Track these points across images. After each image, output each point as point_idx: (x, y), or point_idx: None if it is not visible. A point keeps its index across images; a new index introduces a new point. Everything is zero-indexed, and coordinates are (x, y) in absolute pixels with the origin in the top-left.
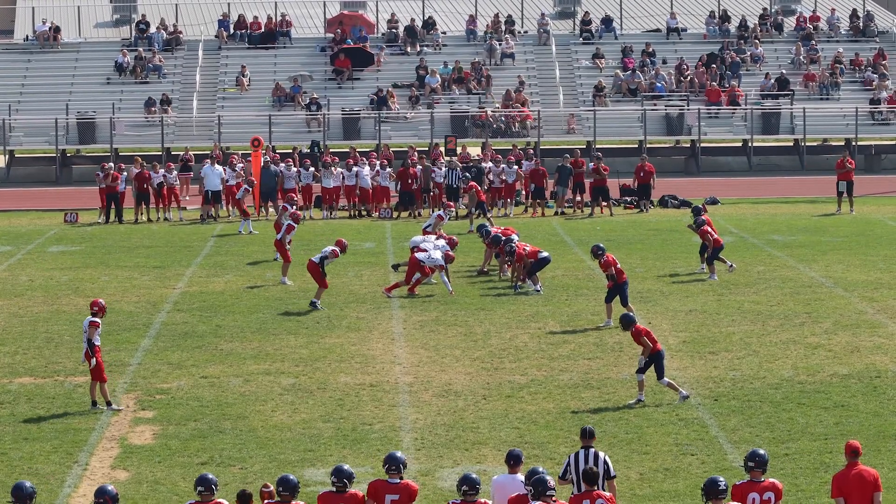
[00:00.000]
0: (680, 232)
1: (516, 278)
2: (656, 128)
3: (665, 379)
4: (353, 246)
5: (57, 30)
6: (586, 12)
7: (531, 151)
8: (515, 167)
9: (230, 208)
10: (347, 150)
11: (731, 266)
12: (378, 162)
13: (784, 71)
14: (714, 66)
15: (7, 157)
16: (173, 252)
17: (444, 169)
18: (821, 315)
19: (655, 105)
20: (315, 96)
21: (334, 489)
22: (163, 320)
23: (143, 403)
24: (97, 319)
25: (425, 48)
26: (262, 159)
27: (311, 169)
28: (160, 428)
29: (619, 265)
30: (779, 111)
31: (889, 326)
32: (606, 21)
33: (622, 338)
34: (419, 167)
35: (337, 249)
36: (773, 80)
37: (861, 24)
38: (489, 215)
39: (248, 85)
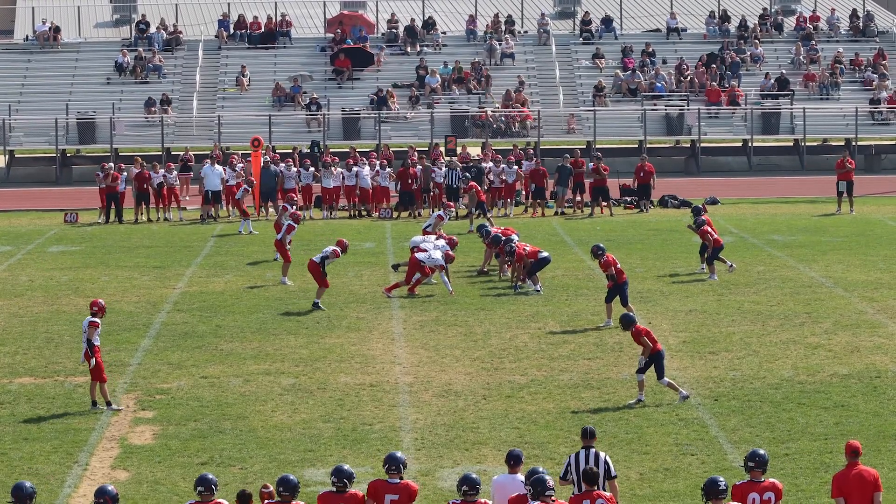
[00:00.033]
0: (680, 232)
1: (516, 278)
2: (656, 128)
3: (665, 379)
4: (353, 246)
5: (57, 30)
6: (586, 12)
7: (531, 151)
8: (515, 167)
9: (230, 208)
10: (347, 150)
11: (731, 266)
12: (378, 162)
13: (784, 71)
14: (714, 66)
15: (7, 157)
16: (173, 252)
17: (444, 169)
18: (821, 315)
19: (655, 105)
20: (315, 96)
21: (334, 489)
22: (163, 320)
23: (143, 403)
24: (97, 320)
25: (425, 48)
26: (262, 159)
27: (311, 169)
28: (160, 428)
29: (619, 265)
30: (779, 111)
31: (889, 326)
32: (606, 21)
33: (622, 338)
34: (419, 167)
35: (338, 249)
36: (773, 80)
37: (861, 24)
38: (489, 215)
39: (248, 85)
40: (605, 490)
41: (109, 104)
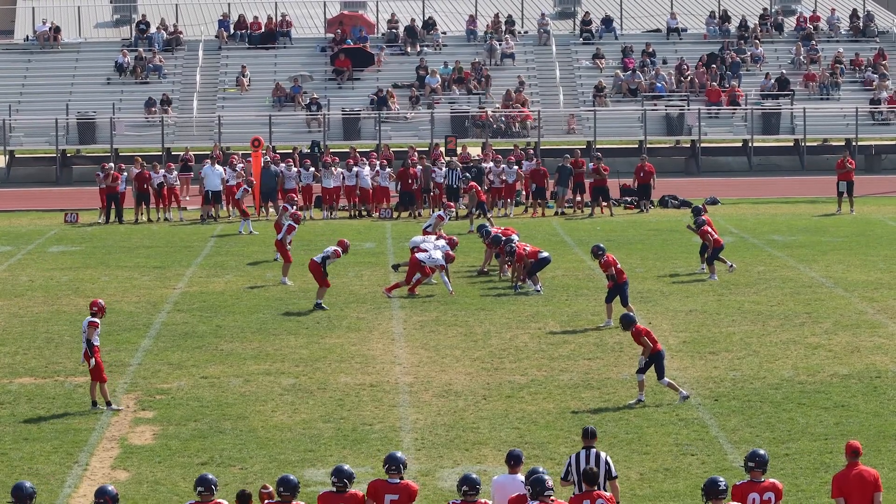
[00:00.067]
0: (680, 232)
1: (516, 278)
2: (656, 128)
3: (665, 379)
4: (353, 246)
5: (57, 30)
6: (586, 12)
7: (531, 151)
8: (515, 167)
9: (230, 208)
10: (347, 150)
11: (732, 266)
12: (378, 162)
13: (784, 71)
14: (714, 66)
15: (7, 157)
16: (173, 252)
17: (444, 169)
18: (821, 315)
19: (655, 105)
20: (315, 96)
21: (334, 489)
22: (163, 320)
23: (144, 403)
24: (96, 320)
25: (425, 48)
26: (263, 159)
27: (312, 169)
28: (160, 428)
29: (619, 265)
30: (779, 111)
31: (889, 326)
32: (606, 21)
33: (622, 338)
34: (419, 167)
35: (339, 249)
36: (773, 80)
37: (861, 24)
38: (489, 215)
39: (248, 85)
40: (606, 490)
41: (109, 104)
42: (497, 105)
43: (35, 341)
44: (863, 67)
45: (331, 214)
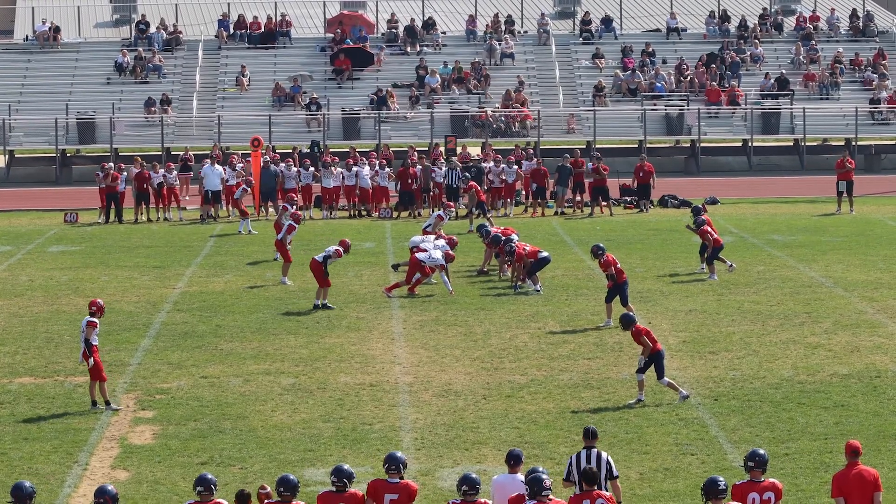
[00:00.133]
0: (680, 232)
1: (516, 278)
2: (656, 128)
3: (665, 379)
4: (353, 246)
5: (57, 30)
6: (586, 12)
7: (531, 151)
8: (515, 167)
9: (230, 208)
10: (347, 150)
11: (731, 266)
12: (378, 162)
13: (784, 71)
14: (714, 66)
15: (7, 157)
16: (173, 252)
17: (444, 169)
18: (821, 315)
19: (655, 105)
20: (315, 96)
21: (334, 489)
22: (163, 320)
23: (143, 403)
24: (95, 319)
25: (425, 48)
26: (262, 159)
27: (311, 169)
28: (160, 428)
29: (618, 265)
30: (779, 111)
31: (889, 326)
32: (606, 21)
33: (622, 338)
34: (419, 167)
35: (340, 249)
36: (772, 80)
37: (861, 24)
38: (489, 215)
39: (248, 85)
40: (606, 490)
41: (109, 104)
42: (497, 105)
43: (35, 341)
44: (862, 67)
45: (330, 214)
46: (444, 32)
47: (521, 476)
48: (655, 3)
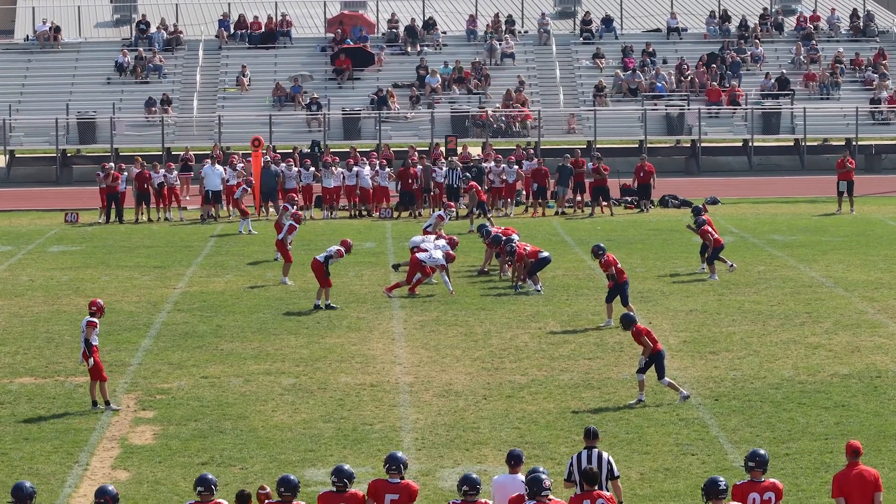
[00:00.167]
0: (680, 232)
1: (517, 278)
2: (656, 128)
3: (666, 379)
4: (354, 246)
5: (57, 30)
6: (586, 12)
7: (531, 151)
8: (516, 167)
9: (230, 208)
10: (348, 150)
11: (732, 266)
12: (378, 162)
13: (784, 71)
14: (714, 65)
15: (7, 157)
16: (174, 252)
17: (444, 169)
18: (821, 315)
19: (656, 105)
20: (315, 96)
21: (334, 489)
22: (163, 320)
23: (144, 403)
24: (95, 319)
25: (425, 48)
26: (263, 159)
27: (312, 169)
28: (161, 428)
29: (619, 265)
30: (779, 111)
31: (889, 326)
32: (607, 21)
33: (622, 338)
34: (419, 167)
35: (342, 249)
36: (773, 80)
37: (861, 24)
38: (489, 215)
39: (248, 85)
40: (607, 490)
41: (110, 104)
42: (497, 105)
43: (35, 341)
44: (863, 67)
45: (331, 214)
46: (444, 32)
47: (521, 476)
48: (656, 3)
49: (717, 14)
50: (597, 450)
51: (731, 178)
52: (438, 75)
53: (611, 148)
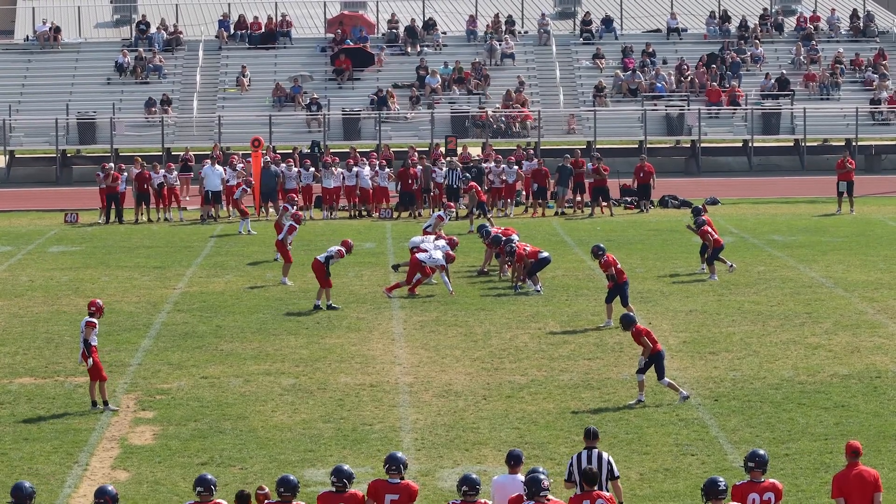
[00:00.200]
0: (680, 232)
1: (516, 278)
2: (656, 128)
3: (665, 379)
4: (354, 246)
5: (57, 30)
6: (586, 12)
7: (531, 151)
8: (516, 167)
9: (230, 209)
10: (348, 150)
11: (732, 266)
12: (378, 162)
13: (784, 71)
14: (714, 66)
15: (7, 157)
16: (173, 252)
17: (444, 169)
18: (821, 315)
19: (656, 105)
20: (315, 96)
21: (334, 489)
22: (163, 321)
23: (144, 404)
24: (94, 320)
25: (425, 48)
26: (263, 159)
27: (312, 169)
28: (160, 428)
29: (619, 265)
30: (779, 111)
31: (889, 327)
32: (607, 21)
33: (622, 338)
34: (419, 167)
35: (343, 249)
36: (773, 81)
37: (861, 25)
38: (489, 216)
39: (248, 85)
40: (607, 491)
41: (110, 104)
42: (497, 105)
43: (35, 341)
44: (863, 67)
45: (331, 214)
46: (444, 33)
47: (521, 476)
48: (656, 4)
49: (717, 14)
50: (597, 450)
51: (731, 178)
52: (438, 75)
53: (611, 148)
